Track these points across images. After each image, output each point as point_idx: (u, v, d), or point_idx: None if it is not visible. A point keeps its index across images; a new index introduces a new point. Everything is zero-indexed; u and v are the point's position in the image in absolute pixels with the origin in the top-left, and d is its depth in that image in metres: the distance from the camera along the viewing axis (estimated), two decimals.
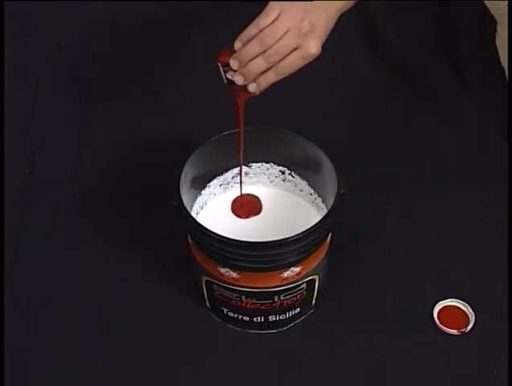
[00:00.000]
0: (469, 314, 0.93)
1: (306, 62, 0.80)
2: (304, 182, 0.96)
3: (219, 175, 0.96)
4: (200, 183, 0.94)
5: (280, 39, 0.77)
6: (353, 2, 0.85)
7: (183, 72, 1.24)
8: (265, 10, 0.78)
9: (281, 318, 0.91)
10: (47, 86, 1.23)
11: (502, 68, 1.22)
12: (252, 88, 0.81)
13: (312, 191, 0.95)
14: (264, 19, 0.78)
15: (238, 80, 0.81)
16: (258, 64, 0.79)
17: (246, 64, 0.79)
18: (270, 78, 0.80)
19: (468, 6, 1.26)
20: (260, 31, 0.78)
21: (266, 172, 0.97)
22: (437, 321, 0.93)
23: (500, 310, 0.92)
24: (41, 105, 1.20)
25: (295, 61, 0.79)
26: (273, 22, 0.78)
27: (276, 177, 0.97)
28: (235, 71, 0.81)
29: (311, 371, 0.90)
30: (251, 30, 0.79)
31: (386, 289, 0.97)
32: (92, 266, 1.00)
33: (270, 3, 0.79)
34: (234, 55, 0.80)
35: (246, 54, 0.79)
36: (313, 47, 0.79)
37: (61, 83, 1.24)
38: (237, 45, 0.80)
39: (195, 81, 1.22)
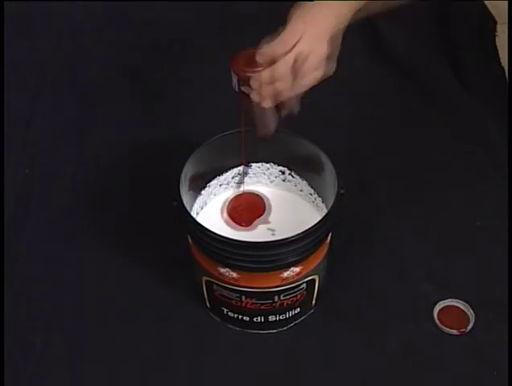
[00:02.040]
0: (469, 314, 0.93)
1: (320, 81, 0.79)
2: (304, 182, 0.96)
3: (219, 175, 0.95)
4: (200, 183, 0.94)
5: (303, 63, 0.76)
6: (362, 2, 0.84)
7: (183, 72, 1.24)
8: (290, 27, 0.76)
9: (281, 318, 0.91)
10: (47, 86, 1.23)
11: (502, 68, 1.22)
12: (266, 104, 0.79)
13: (312, 191, 0.95)
14: (290, 38, 0.76)
15: (255, 98, 0.79)
16: (279, 87, 0.78)
17: (266, 86, 0.78)
18: (285, 96, 0.79)
19: (468, 6, 1.27)
20: (286, 53, 0.76)
21: (266, 172, 0.97)
22: (437, 321, 0.93)
23: (500, 310, 0.92)
24: (41, 105, 1.20)
25: (311, 81, 0.79)
26: (297, 42, 0.76)
27: (276, 177, 0.97)
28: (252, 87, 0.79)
29: (312, 371, 0.90)
30: (277, 47, 0.76)
31: (386, 289, 0.97)
32: (92, 266, 1.00)
33: (294, 18, 0.77)
34: (256, 77, 0.77)
35: (270, 78, 0.77)
36: (331, 70, 0.79)
37: (61, 83, 1.24)
38: (260, 58, 0.77)
39: (195, 81, 1.22)
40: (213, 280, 0.86)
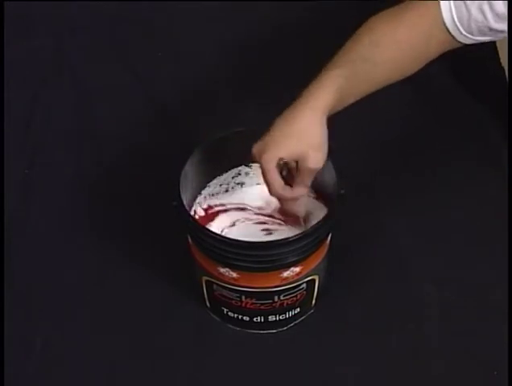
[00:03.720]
0: None
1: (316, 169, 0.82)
2: None
3: (219, 175, 0.95)
4: (200, 183, 0.94)
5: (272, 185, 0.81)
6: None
7: (183, 72, 1.24)
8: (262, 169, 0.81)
9: (281, 318, 0.91)
10: (47, 86, 1.23)
11: (502, 68, 1.22)
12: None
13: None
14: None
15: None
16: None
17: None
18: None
19: None
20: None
21: None
22: None
23: (500, 310, 0.92)
24: (41, 105, 1.20)
25: (307, 178, 0.82)
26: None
27: None
28: None
29: (312, 371, 0.90)
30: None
31: (386, 289, 0.97)
32: (93, 266, 1.00)
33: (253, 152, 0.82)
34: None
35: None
36: (312, 162, 0.80)
37: (61, 83, 1.24)
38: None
39: (195, 81, 1.22)
40: (213, 280, 0.86)
